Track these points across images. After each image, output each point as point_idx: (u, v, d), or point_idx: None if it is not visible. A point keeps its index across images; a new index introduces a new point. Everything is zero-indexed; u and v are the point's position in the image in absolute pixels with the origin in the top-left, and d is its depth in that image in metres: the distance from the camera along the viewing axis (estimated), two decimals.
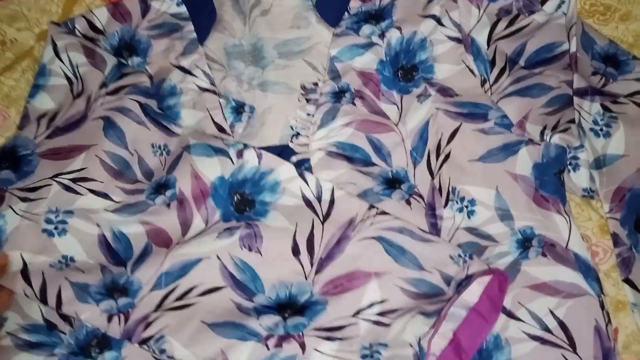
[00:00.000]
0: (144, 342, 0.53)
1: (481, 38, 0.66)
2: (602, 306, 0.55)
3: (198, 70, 0.67)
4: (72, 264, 0.57)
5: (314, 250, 0.57)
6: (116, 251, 0.58)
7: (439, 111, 0.63)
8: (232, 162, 0.61)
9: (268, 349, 0.53)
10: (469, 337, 0.52)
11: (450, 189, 0.60)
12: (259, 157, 0.61)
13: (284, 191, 0.60)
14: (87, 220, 0.59)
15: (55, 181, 0.60)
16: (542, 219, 0.58)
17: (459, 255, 0.56)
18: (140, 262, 0.57)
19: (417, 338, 0.52)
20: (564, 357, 0.52)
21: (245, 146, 0.62)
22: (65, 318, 0.56)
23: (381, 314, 0.54)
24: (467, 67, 0.65)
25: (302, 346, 0.53)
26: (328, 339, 0.53)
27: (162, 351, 0.53)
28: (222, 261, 0.57)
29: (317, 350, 0.53)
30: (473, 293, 0.54)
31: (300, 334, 0.53)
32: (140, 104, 0.65)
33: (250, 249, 0.57)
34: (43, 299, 0.55)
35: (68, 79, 0.66)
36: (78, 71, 0.66)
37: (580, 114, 0.60)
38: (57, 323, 0.56)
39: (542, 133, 0.60)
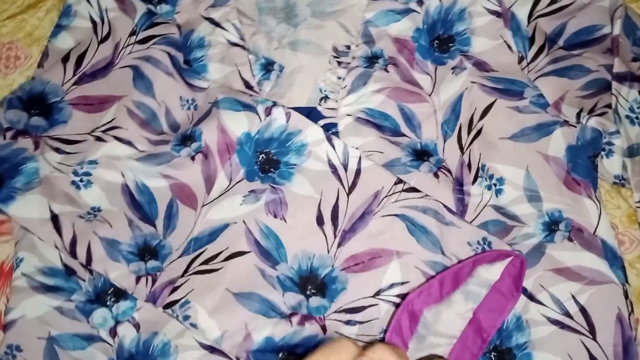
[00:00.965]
0: (168, 306, 0.52)
1: (522, 13, 0.62)
2: (626, 295, 0.53)
3: (228, 23, 0.64)
4: (99, 214, 0.55)
5: (338, 222, 0.55)
6: (140, 204, 0.56)
7: (474, 85, 0.59)
8: (260, 119, 0.58)
9: (291, 325, 0.52)
10: (489, 316, 0.51)
11: (479, 166, 0.57)
12: (288, 116, 0.59)
13: (310, 154, 0.58)
14: (111, 168, 0.57)
15: (93, 136, 0.58)
16: (571, 202, 0.55)
17: (479, 242, 0.54)
18: (170, 226, 0.56)
19: None
20: (582, 343, 0.51)
21: (274, 104, 0.59)
22: (86, 265, 0.55)
23: (401, 295, 0.52)
24: (505, 42, 0.62)
25: (323, 329, 0.52)
26: (348, 322, 0.52)
27: (186, 317, 0.52)
28: (247, 226, 0.55)
29: (338, 333, 0.52)
30: (493, 271, 0.52)
31: (322, 317, 0.52)
32: (170, 55, 0.62)
33: (275, 216, 0.56)
34: (73, 253, 0.54)
35: (93, 21, 0.63)
36: (107, 15, 0.63)
37: (617, 99, 0.57)
38: (76, 269, 0.55)
39: (578, 115, 0.57)
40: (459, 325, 0.51)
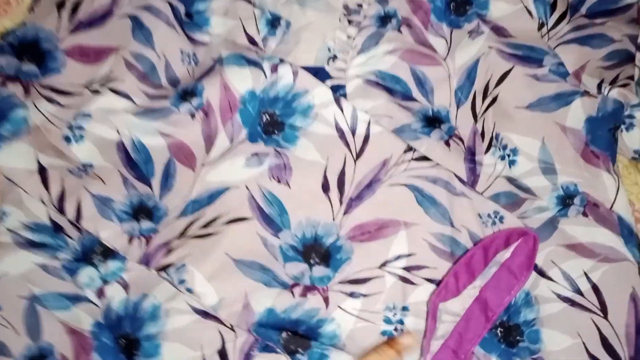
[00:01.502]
0: (163, 269, 0.49)
1: None
2: None
3: None
4: (90, 170, 0.52)
5: (344, 189, 0.52)
6: (136, 162, 0.52)
7: (491, 50, 0.55)
8: (265, 76, 0.54)
9: (294, 296, 0.49)
10: (496, 294, 0.48)
11: (493, 135, 0.54)
12: (295, 74, 0.54)
13: (316, 117, 0.54)
14: (105, 123, 0.53)
15: (88, 90, 0.54)
16: (588, 176, 0.52)
17: (489, 215, 0.51)
18: (167, 187, 0.52)
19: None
20: (593, 322, 0.48)
21: (281, 61, 0.55)
22: (75, 223, 0.51)
23: (407, 268, 0.49)
24: (525, 7, 0.57)
25: (326, 301, 0.49)
26: (352, 295, 0.49)
27: (182, 281, 0.48)
28: (250, 191, 0.52)
29: (340, 308, 0.49)
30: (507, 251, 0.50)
31: (325, 287, 0.49)
32: (172, 6, 0.57)
33: (279, 181, 0.52)
34: (60, 209, 0.50)
35: None
36: None
37: None
38: (64, 226, 0.51)
39: (599, 86, 0.53)
40: (465, 303, 0.48)
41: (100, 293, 0.50)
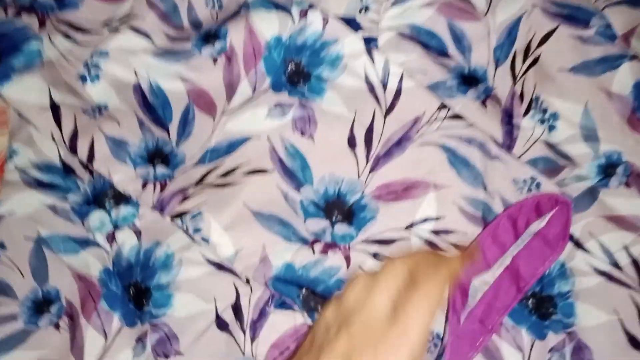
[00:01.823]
0: (178, 216, 0.46)
1: None
2: None
3: None
4: (105, 111, 0.49)
5: (372, 145, 0.48)
6: (153, 106, 0.49)
7: (535, 8, 0.51)
8: (293, 22, 0.51)
9: (313, 253, 0.46)
10: (529, 264, 0.45)
11: (533, 97, 0.50)
12: (324, 22, 0.51)
13: (345, 68, 0.50)
14: (123, 64, 0.50)
15: (108, 28, 0.51)
16: (633, 144, 0.48)
17: (524, 181, 0.47)
18: (185, 133, 0.49)
19: None
20: (631, 298, 0.45)
21: (311, 7, 0.51)
22: (87, 165, 0.49)
23: (435, 232, 0.46)
24: None
25: (347, 260, 0.46)
26: (375, 256, 0.46)
27: (197, 230, 0.46)
28: (272, 143, 0.48)
29: (362, 269, 0.46)
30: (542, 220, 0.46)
31: (347, 246, 0.46)
32: None
33: (302, 133, 0.49)
34: (72, 148, 0.47)
35: None
36: None
37: None
38: (75, 168, 0.49)
39: None
40: (495, 271, 0.46)
41: (110, 238, 0.47)
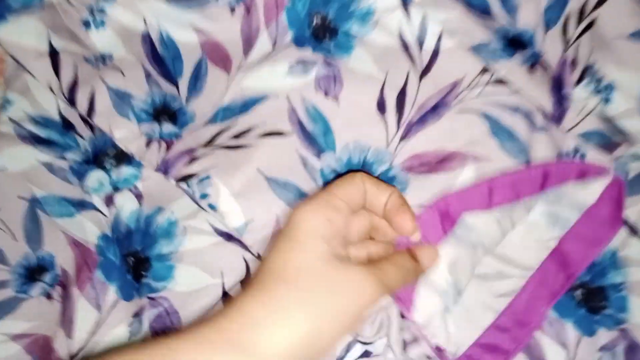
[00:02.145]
0: (184, 179, 0.41)
1: None
2: None
3: None
4: (109, 61, 0.44)
5: (404, 110, 0.43)
6: (162, 58, 0.44)
7: None
8: None
9: None
10: (580, 247, 0.39)
11: (587, 65, 0.45)
12: None
13: (377, 24, 0.45)
14: (131, 10, 0.44)
15: None
16: None
17: (567, 154, 0.42)
18: (196, 89, 0.44)
19: None
20: None
21: None
22: (87, 120, 0.44)
23: None
24: None
25: None
26: None
27: (204, 196, 0.41)
28: (291, 103, 0.43)
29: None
30: (589, 191, 0.40)
31: None
32: None
33: (326, 94, 0.43)
34: (71, 99, 0.42)
35: None
36: None
37: None
38: (75, 124, 0.44)
39: None
40: (539, 254, 0.40)
41: (108, 201, 0.42)
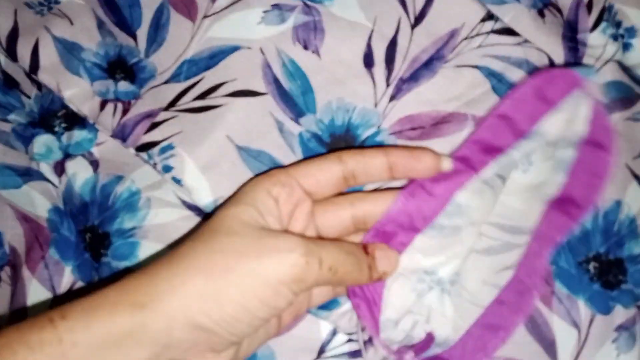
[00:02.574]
0: (143, 148, 0.36)
1: None
2: None
3: None
4: (55, 6, 0.38)
5: (394, 65, 0.37)
6: (117, 5, 0.38)
7: None
8: None
9: None
10: (582, 183, 0.33)
11: (605, 6, 0.38)
12: None
13: None
14: None
15: None
16: None
17: None
18: (157, 40, 0.38)
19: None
20: None
21: None
22: (31, 76, 0.38)
23: None
24: None
25: None
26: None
27: (168, 169, 0.35)
28: (265, 56, 0.37)
29: None
30: (575, 120, 0.33)
31: None
32: None
33: (306, 47, 0.37)
34: (11, 52, 0.37)
35: None
36: None
37: None
38: (20, 81, 0.39)
39: None
40: (535, 209, 0.33)
41: (58, 169, 0.37)
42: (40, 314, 0.25)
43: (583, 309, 0.35)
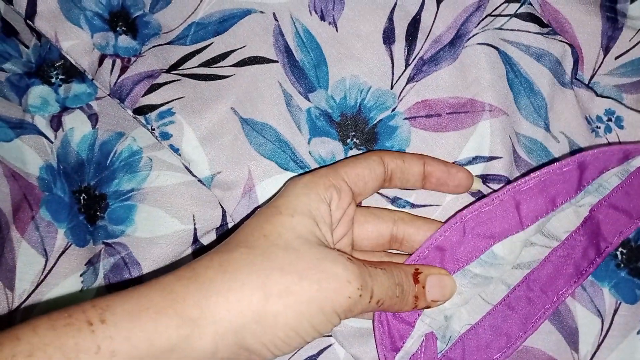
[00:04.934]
0: (141, 111, 0.31)
1: None
2: None
3: None
4: None
5: (416, 43, 0.33)
6: None
7: None
8: None
9: None
10: (615, 218, 0.30)
11: None
12: None
13: None
14: None
15: None
16: None
17: (600, 118, 0.33)
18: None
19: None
20: None
21: None
22: (29, 24, 0.33)
23: (483, 178, 0.32)
24: None
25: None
26: (394, 201, 0.32)
27: (166, 136, 0.31)
28: (278, 23, 0.32)
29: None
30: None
31: None
32: None
33: (322, 18, 0.33)
34: None
35: None
36: None
37: None
38: (19, 30, 0.34)
39: None
40: (568, 222, 0.30)
41: (55, 122, 0.33)
42: (77, 309, 0.22)
43: (607, 297, 0.32)
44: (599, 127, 0.33)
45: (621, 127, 0.33)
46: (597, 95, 0.33)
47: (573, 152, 0.32)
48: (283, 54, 0.32)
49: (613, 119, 0.33)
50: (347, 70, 0.32)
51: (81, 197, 0.33)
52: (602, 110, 0.33)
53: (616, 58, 0.34)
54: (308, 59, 0.32)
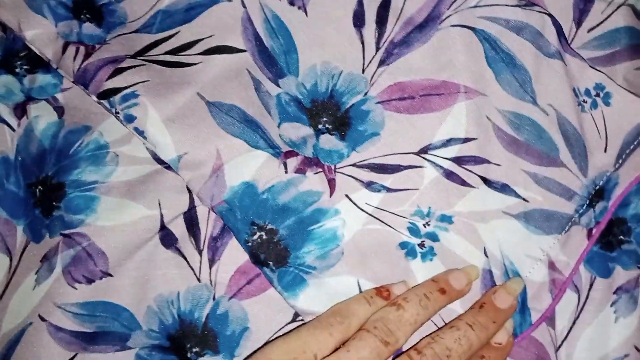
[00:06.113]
0: (105, 95, 0.29)
1: None
2: None
3: None
4: None
5: (386, 26, 0.31)
6: None
7: None
8: None
9: (286, 170, 0.29)
10: None
11: None
12: None
13: None
14: None
15: None
16: None
17: (588, 92, 0.31)
18: None
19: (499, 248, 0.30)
20: None
21: None
22: None
23: (459, 160, 0.30)
24: None
25: (331, 185, 0.30)
26: (369, 185, 0.30)
27: (130, 119, 0.29)
28: (247, 10, 0.31)
29: (348, 198, 0.30)
30: None
31: (333, 166, 0.30)
32: None
33: (292, 2, 0.31)
34: None
35: None
36: None
37: None
38: None
39: None
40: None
41: (19, 110, 0.31)
42: None
43: (583, 272, 0.31)
44: (586, 102, 0.31)
45: (608, 104, 0.31)
46: (590, 66, 0.32)
47: (561, 126, 0.31)
48: (252, 42, 0.30)
49: (601, 95, 0.32)
50: (318, 55, 0.31)
51: (37, 190, 0.30)
52: (592, 83, 0.32)
53: (589, 31, 0.32)
54: (277, 45, 0.31)
